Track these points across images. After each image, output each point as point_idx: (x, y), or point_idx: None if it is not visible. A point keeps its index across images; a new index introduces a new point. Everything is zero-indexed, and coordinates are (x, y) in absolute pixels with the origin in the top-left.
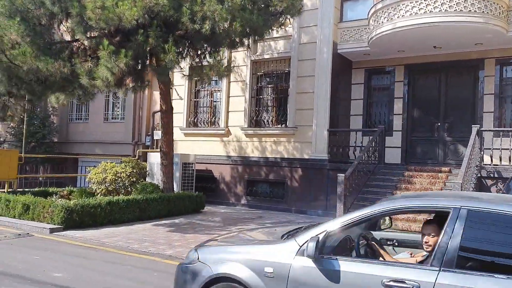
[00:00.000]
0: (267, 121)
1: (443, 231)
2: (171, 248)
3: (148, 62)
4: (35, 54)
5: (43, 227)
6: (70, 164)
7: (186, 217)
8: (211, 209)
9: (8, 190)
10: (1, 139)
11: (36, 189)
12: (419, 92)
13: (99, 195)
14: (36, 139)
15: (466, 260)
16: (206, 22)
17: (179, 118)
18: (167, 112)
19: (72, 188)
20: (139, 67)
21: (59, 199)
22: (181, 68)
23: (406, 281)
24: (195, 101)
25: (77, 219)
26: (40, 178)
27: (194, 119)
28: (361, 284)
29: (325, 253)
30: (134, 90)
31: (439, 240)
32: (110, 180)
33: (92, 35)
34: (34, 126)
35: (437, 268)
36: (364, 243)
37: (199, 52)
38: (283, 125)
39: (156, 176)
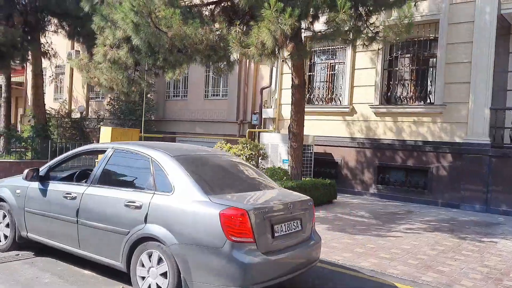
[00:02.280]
0: (404, 97)
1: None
2: (352, 253)
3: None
4: (183, 17)
5: None
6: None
7: (325, 209)
8: (340, 199)
9: None
10: (99, 117)
11: None
12: None
13: None
14: (136, 117)
15: (104, 178)
16: None
17: (290, 95)
18: (300, 86)
19: None
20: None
21: None
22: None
23: (72, 193)
24: (309, 75)
25: None
26: None
27: (309, 95)
28: (52, 194)
29: (51, 178)
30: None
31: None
32: None
33: None
34: (133, 103)
35: (88, 184)
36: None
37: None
38: (426, 102)
39: (271, 159)
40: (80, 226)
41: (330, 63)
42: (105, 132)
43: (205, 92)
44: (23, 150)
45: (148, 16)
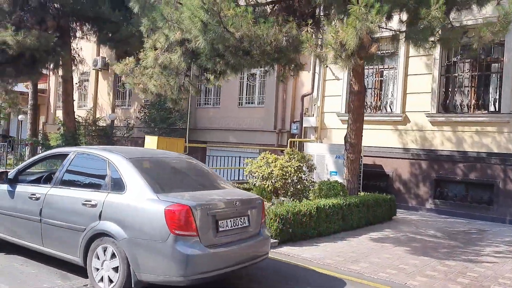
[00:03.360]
0: (464, 105)
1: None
2: (460, 285)
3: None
4: (254, 17)
5: None
6: (199, 153)
7: (390, 227)
8: (399, 216)
9: None
10: (129, 125)
11: None
12: None
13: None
14: (168, 125)
15: (66, 180)
16: None
17: (334, 103)
18: (360, 93)
19: (235, 184)
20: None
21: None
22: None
23: (37, 194)
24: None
25: (290, 231)
26: None
27: None
28: (19, 195)
29: (20, 181)
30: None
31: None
32: (277, 175)
33: None
34: (165, 111)
35: (51, 185)
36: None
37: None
38: (490, 111)
39: (317, 171)
40: (43, 224)
41: (379, 69)
42: (151, 142)
43: (239, 100)
44: None
45: (217, 15)
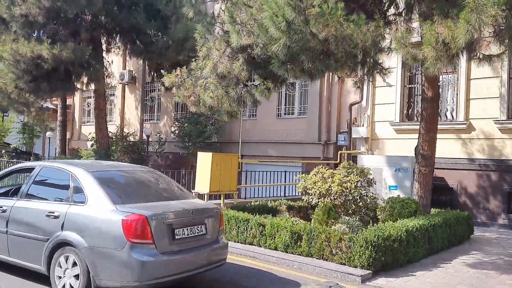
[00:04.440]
0: None
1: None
2: None
3: None
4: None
5: (347, 272)
6: None
7: (475, 248)
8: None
9: (224, 205)
10: (161, 140)
11: (256, 202)
12: None
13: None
14: (204, 139)
15: (31, 192)
16: None
17: (386, 111)
18: (433, 100)
19: (288, 201)
20: None
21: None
22: None
23: (3, 206)
24: (409, 87)
25: (382, 259)
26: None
27: (408, 111)
28: None
29: None
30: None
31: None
32: (336, 191)
33: None
34: (200, 124)
35: (17, 198)
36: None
37: None
38: None
39: (375, 186)
40: (9, 235)
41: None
42: (204, 158)
43: (278, 111)
44: None
45: (303, 13)
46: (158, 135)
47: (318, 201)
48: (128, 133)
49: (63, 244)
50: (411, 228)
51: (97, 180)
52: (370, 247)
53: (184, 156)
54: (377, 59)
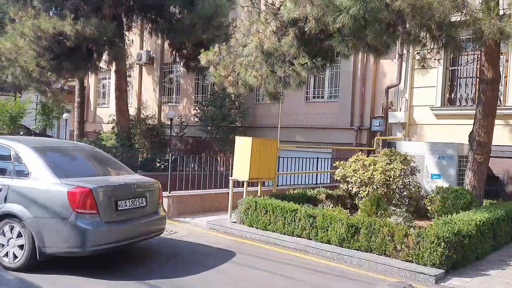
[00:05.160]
0: None
1: None
2: None
3: None
4: None
5: (418, 271)
6: None
7: None
8: None
9: (262, 193)
10: (182, 123)
11: (294, 190)
12: None
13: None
14: (229, 123)
15: None
16: None
17: (426, 95)
18: (494, 81)
19: (326, 190)
20: None
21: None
22: None
23: None
24: (451, 69)
25: (454, 257)
26: None
27: (451, 95)
28: None
29: None
30: None
31: None
32: (379, 180)
33: None
34: (225, 107)
35: None
36: None
37: None
38: None
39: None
40: None
41: (477, 55)
42: (243, 143)
43: (306, 94)
44: None
45: None
46: (179, 118)
47: (359, 190)
48: (147, 115)
49: (6, 215)
50: (478, 222)
51: (40, 154)
52: (442, 243)
53: (206, 140)
54: (452, 33)
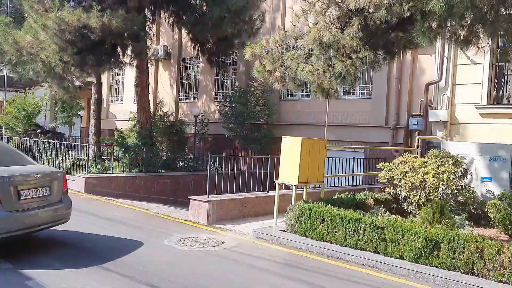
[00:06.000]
0: None
1: None
2: None
3: None
4: None
5: None
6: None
7: None
8: None
9: (308, 196)
10: (204, 120)
11: (341, 195)
12: None
13: (413, 207)
14: (256, 120)
15: None
16: None
17: (469, 92)
18: None
19: (374, 194)
20: None
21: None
22: None
23: None
24: (497, 65)
25: None
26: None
27: (498, 92)
28: None
29: None
30: None
31: None
32: (431, 184)
33: None
34: (251, 104)
35: None
36: None
37: None
38: None
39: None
40: None
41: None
42: (291, 143)
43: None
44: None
45: None
46: (201, 115)
47: (409, 195)
48: (166, 112)
49: None
50: None
51: None
52: None
53: (229, 138)
54: None
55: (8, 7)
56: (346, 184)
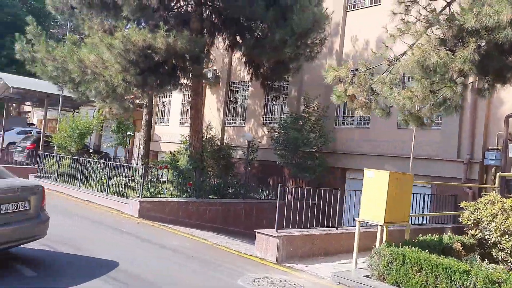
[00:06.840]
0: None
1: None
2: None
3: None
4: None
5: None
6: (332, 185)
7: None
8: None
9: (388, 237)
10: (253, 146)
11: (425, 237)
12: None
13: (504, 254)
14: (310, 147)
15: None
16: None
17: None
18: None
19: (462, 238)
20: None
21: None
22: None
23: None
24: None
25: None
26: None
27: None
28: None
29: None
30: None
31: None
32: None
33: None
34: (305, 130)
35: None
36: None
37: None
38: None
39: None
40: None
41: None
42: (377, 177)
43: (397, 119)
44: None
45: None
46: (252, 141)
47: (501, 240)
48: (213, 136)
49: None
50: None
51: None
52: None
53: (280, 165)
54: None
55: (67, 26)
56: (414, 222)
